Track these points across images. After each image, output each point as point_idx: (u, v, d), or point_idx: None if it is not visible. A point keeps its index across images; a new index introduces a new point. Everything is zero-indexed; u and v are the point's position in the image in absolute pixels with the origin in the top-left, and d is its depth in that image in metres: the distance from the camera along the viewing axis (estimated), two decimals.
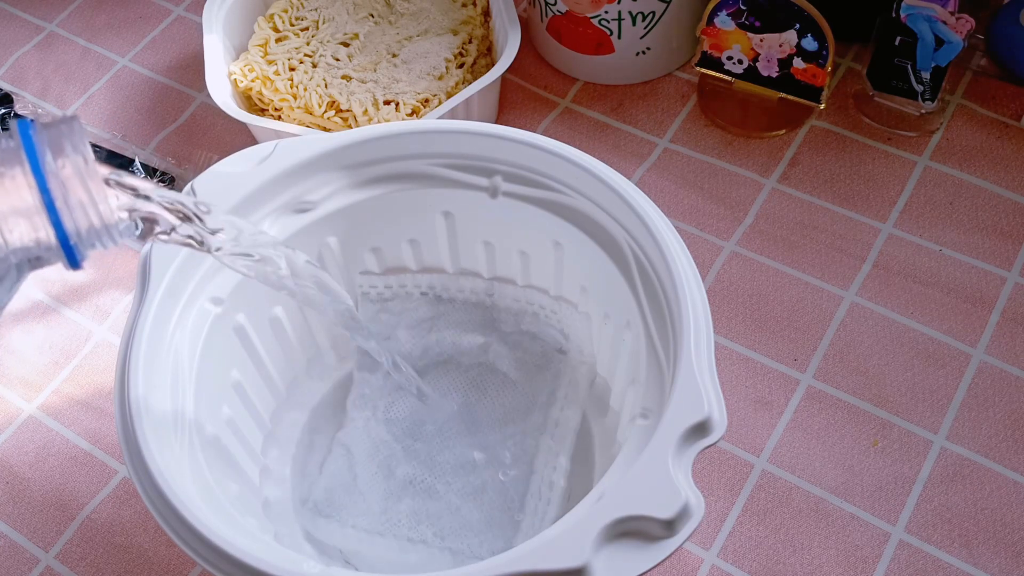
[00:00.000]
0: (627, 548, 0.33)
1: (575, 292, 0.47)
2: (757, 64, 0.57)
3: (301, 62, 0.59)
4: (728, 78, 0.58)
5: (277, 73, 0.58)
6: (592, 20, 0.58)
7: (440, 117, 0.54)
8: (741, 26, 0.55)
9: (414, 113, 0.56)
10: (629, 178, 0.58)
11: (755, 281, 0.54)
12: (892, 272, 0.54)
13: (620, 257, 0.42)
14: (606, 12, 0.57)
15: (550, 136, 0.43)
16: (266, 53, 0.59)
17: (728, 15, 0.55)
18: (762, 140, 0.59)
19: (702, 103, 0.61)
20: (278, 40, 0.60)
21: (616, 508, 0.33)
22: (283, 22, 0.61)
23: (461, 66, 0.59)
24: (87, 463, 0.52)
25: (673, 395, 0.36)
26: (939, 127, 0.58)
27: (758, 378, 0.51)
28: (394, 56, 0.59)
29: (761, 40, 0.55)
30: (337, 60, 0.59)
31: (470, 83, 0.57)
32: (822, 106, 0.57)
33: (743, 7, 0.54)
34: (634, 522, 0.33)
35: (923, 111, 0.58)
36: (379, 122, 0.54)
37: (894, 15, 0.54)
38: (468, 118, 0.57)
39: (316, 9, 0.61)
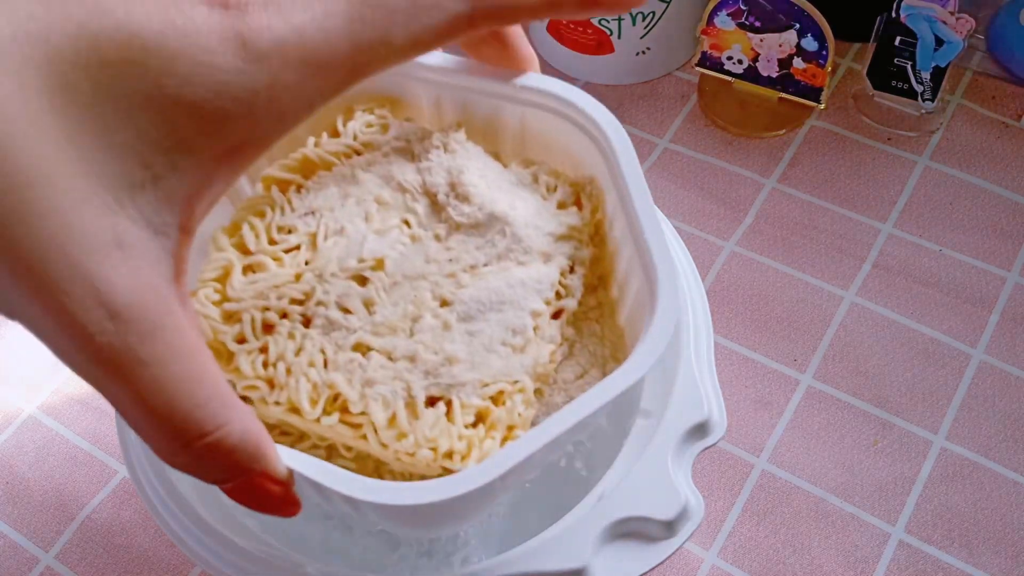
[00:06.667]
0: (627, 549, 0.33)
1: None
2: (757, 64, 0.57)
3: (284, 315, 0.32)
4: (728, 78, 0.58)
5: (241, 339, 0.32)
6: (592, 20, 0.58)
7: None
8: (741, 26, 0.55)
9: (479, 423, 0.31)
10: None
11: (755, 281, 0.54)
12: (892, 272, 0.54)
13: None
14: None
15: None
16: (224, 296, 0.32)
17: (728, 15, 0.55)
18: (762, 140, 0.59)
19: (702, 103, 0.61)
20: (247, 269, 0.33)
21: (616, 509, 0.33)
22: (256, 235, 0.33)
23: (558, 316, 0.34)
24: (87, 463, 0.52)
25: (673, 396, 0.36)
26: (939, 127, 0.58)
27: (758, 378, 0.51)
28: (444, 304, 0.33)
29: (761, 40, 0.55)
30: (347, 312, 0.32)
31: (571, 345, 0.36)
32: (822, 106, 0.57)
33: (743, 7, 0.54)
34: (634, 523, 0.33)
35: (923, 111, 0.58)
36: (419, 441, 0.30)
37: (894, 15, 0.54)
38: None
39: (313, 212, 0.34)
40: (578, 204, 0.36)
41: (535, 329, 0.33)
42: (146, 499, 0.36)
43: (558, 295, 0.34)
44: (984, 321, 0.52)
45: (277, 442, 0.31)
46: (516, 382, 0.32)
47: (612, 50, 0.60)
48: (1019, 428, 0.49)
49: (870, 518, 0.47)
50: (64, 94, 0.21)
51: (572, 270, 0.35)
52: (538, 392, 0.33)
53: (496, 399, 0.31)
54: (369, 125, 0.36)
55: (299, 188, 0.35)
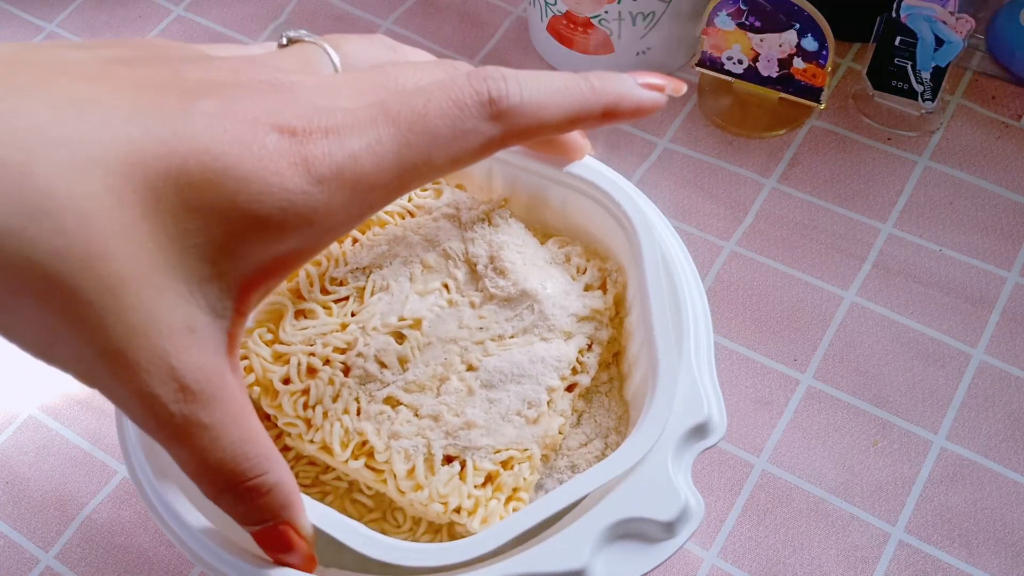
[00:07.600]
0: (627, 550, 0.33)
1: None
2: (757, 64, 0.57)
3: (327, 362, 0.36)
4: (728, 78, 0.58)
5: (286, 380, 0.36)
6: (592, 20, 0.58)
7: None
8: (741, 26, 0.55)
9: (487, 483, 0.35)
10: (629, 178, 0.59)
11: (755, 281, 0.54)
12: (892, 272, 0.54)
13: None
14: (606, 12, 0.57)
15: None
16: (276, 337, 0.37)
17: (728, 15, 0.55)
18: (762, 140, 0.59)
19: (702, 103, 0.61)
20: (299, 314, 0.37)
21: (616, 510, 0.33)
22: (311, 284, 0.37)
23: (572, 389, 0.37)
24: (87, 463, 0.52)
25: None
26: (939, 127, 0.58)
27: (758, 378, 0.51)
28: (470, 369, 0.36)
29: (761, 40, 0.55)
30: (383, 366, 0.36)
31: (580, 415, 0.39)
32: (822, 106, 0.57)
33: (743, 7, 0.54)
34: (634, 524, 0.33)
35: (923, 111, 0.58)
36: (432, 496, 0.34)
37: (894, 15, 0.54)
38: None
39: (364, 269, 0.38)
40: (603, 287, 0.39)
41: (549, 403, 0.36)
42: (146, 499, 0.36)
43: (574, 370, 0.37)
44: (984, 321, 0.52)
45: (305, 469, 0.37)
46: (526, 450, 0.35)
47: (612, 50, 0.60)
48: (1019, 428, 0.49)
49: (870, 518, 0.47)
50: (153, 206, 0.25)
51: (590, 347, 0.38)
52: (544, 458, 0.37)
53: (506, 463, 0.35)
54: (424, 189, 0.39)
55: (355, 241, 0.38)
